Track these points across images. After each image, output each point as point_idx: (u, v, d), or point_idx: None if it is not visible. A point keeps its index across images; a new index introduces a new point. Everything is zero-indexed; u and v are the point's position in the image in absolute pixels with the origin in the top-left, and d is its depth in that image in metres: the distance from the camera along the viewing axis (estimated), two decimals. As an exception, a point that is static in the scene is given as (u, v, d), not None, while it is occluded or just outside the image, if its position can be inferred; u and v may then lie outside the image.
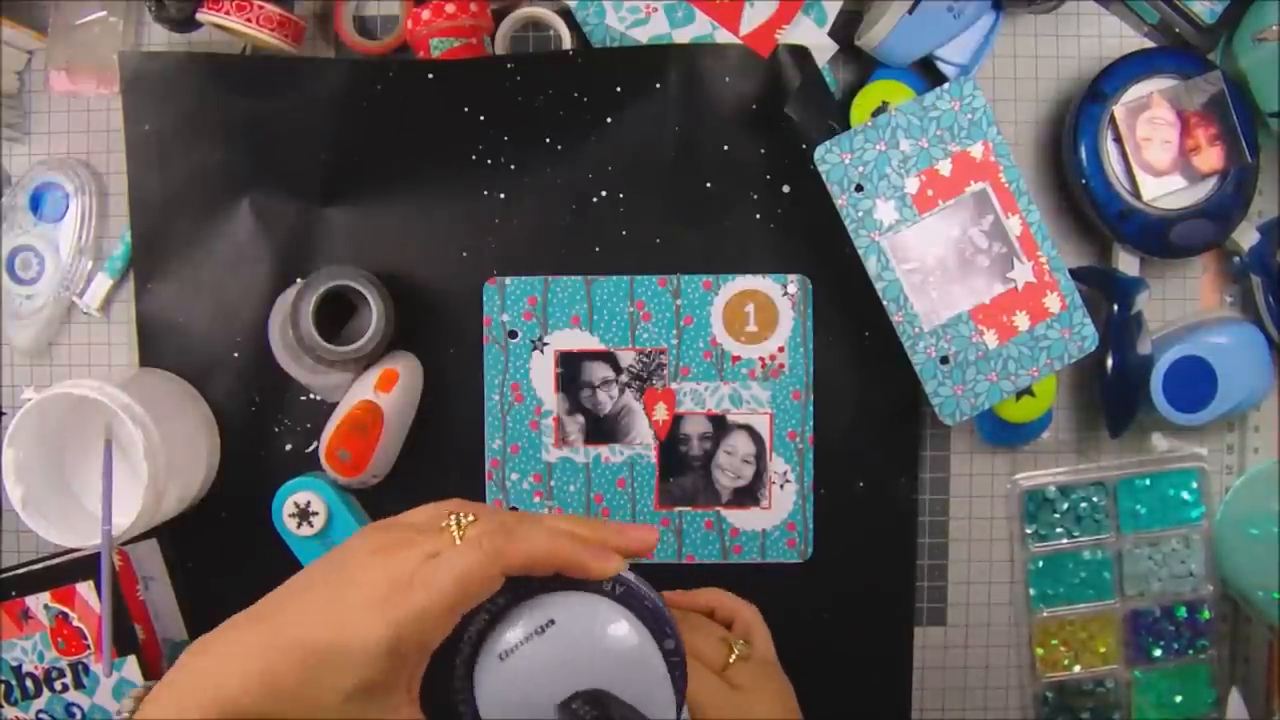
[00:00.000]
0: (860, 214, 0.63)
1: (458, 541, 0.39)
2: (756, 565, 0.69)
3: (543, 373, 0.69)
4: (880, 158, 0.63)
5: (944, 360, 0.64)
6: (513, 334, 0.69)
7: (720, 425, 0.69)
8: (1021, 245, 0.63)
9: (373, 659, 0.37)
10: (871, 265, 0.63)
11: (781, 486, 0.69)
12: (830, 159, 0.63)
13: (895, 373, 0.66)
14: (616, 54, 0.67)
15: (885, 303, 0.63)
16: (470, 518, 0.40)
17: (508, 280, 0.68)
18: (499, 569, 0.39)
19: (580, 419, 0.69)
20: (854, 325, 0.69)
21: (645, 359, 0.69)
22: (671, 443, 0.69)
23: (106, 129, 0.71)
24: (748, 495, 0.69)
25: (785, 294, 0.69)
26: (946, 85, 0.63)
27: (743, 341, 0.69)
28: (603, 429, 0.69)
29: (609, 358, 0.69)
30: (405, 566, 0.38)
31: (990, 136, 0.63)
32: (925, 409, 0.69)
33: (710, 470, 0.69)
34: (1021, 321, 0.64)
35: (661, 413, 0.69)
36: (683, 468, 0.69)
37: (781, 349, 0.69)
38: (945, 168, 0.63)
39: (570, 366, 0.69)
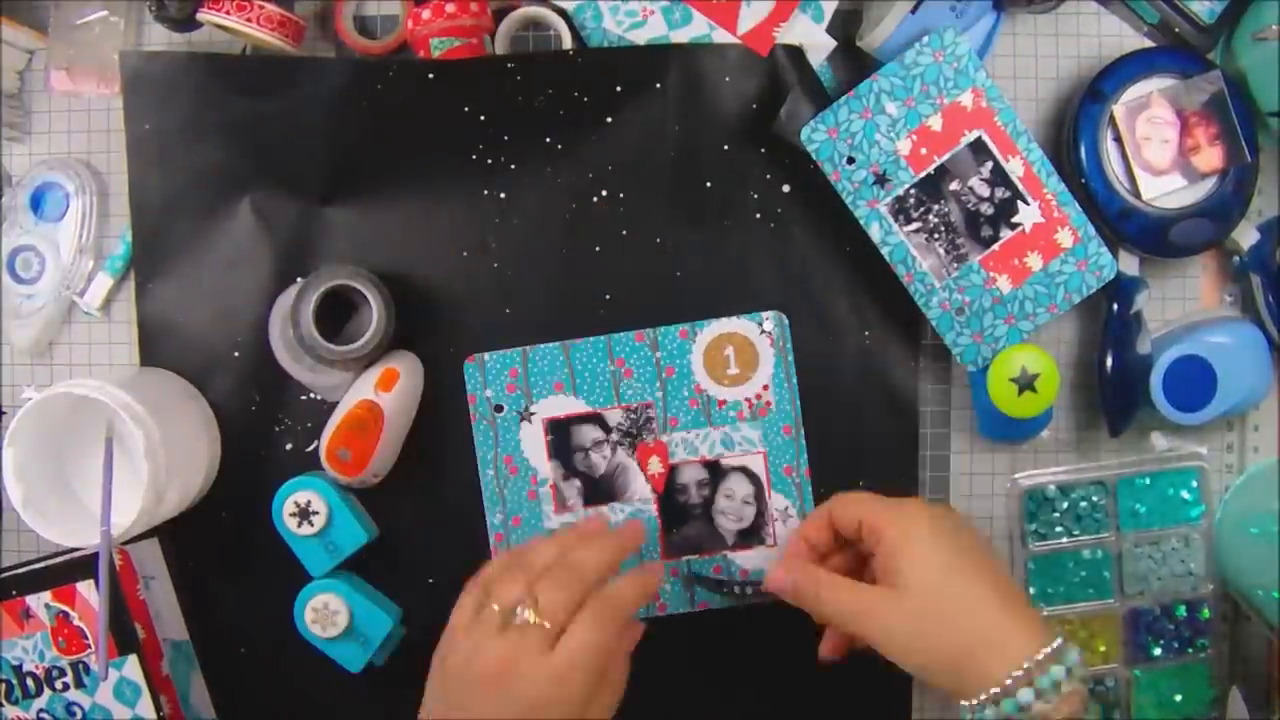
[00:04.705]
0: (855, 184, 0.62)
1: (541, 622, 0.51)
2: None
3: (533, 442, 0.68)
4: (867, 125, 0.62)
5: (959, 311, 0.63)
6: (499, 408, 0.68)
7: (715, 470, 0.69)
8: (1026, 186, 0.62)
9: None
10: (874, 232, 0.62)
11: (784, 522, 0.69)
12: (817, 137, 0.62)
13: (895, 371, 0.66)
14: (616, 54, 0.67)
15: (893, 265, 0.63)
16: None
17: (487, 356, 0.68)
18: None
19: (577, 483, 0.69)
20: (854, 323, 0.69)
21: (632, 415, 0.68)
22: (670, 494, 0.69)
23: (107, 129, 0.71)
24: (752, 535, 0.68)
25: (763, 332, 0.68)
26: (925, 38, 0.61)
27: (726, 384, 0.68)
28: (600, 489, 0.69)
29: (597, 419, 0.68)
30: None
31: (979, 81, 0.61)
32: (925, 409, 0.69)
33: (712, 516, 0.69)
34: (1034, 262, 0.62)
35: (656, 466, 0.68)
36: (684, 517, 0.69)
37: (766, 387, 0.68)
38: (936, 123, 0.62)
39: (559, 432, 0.68)
